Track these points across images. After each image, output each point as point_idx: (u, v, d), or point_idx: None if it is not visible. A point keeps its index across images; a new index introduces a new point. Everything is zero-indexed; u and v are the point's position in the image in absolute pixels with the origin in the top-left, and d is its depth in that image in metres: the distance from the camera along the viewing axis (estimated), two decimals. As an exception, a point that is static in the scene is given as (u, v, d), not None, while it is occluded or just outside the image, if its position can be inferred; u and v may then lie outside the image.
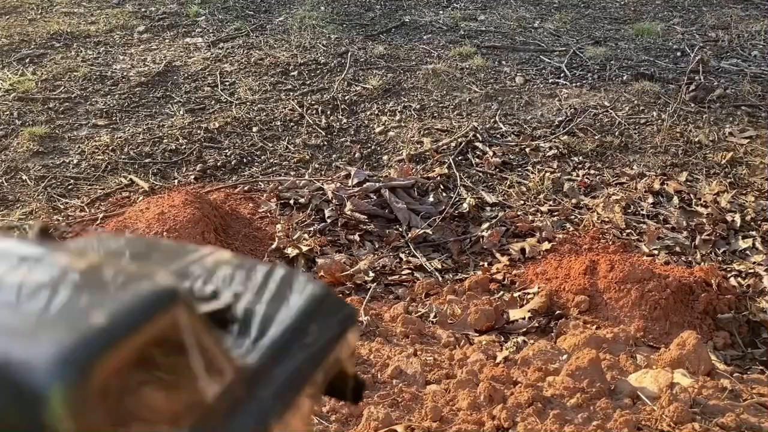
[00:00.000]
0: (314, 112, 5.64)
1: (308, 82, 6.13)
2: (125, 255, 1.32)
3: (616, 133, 5.26)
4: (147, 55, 6.68)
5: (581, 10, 7.91)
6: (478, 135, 5.22)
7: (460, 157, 4.98)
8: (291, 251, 3.96)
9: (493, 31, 7.28)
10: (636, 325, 3.34)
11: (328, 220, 4.28)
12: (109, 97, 5.89)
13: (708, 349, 3.08)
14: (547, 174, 4.74)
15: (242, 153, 5.09)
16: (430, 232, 4.21)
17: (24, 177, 4.81)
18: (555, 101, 5.78)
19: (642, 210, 4.39)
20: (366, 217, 4.31)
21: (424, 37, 7.12)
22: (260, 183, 4.72)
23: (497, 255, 4.04)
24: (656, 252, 3.99)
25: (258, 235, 4.11)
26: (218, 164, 4.95)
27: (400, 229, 4.25)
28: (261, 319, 1.24)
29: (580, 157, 4.99)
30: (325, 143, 5.23)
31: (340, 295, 3.64)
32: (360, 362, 2.83)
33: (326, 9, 7.88)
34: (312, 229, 4.20)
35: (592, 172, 4.83)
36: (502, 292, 3.68)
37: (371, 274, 3.85)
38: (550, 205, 4.46)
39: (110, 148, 5.13)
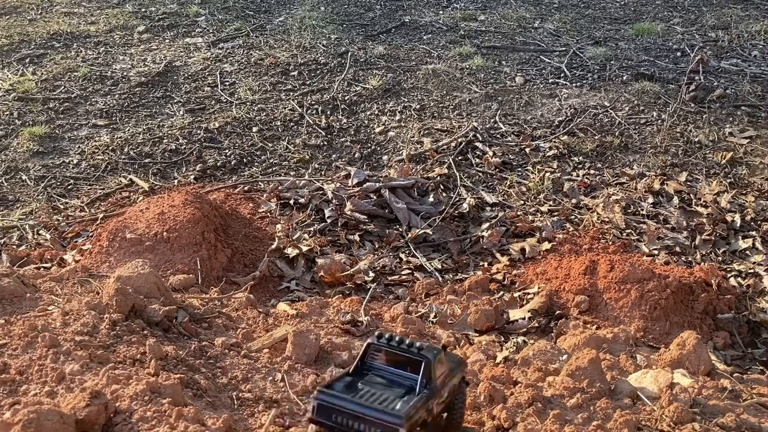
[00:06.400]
0: (314, 112, 5.65)
1: (308, 82, 6.13)
2: None
3: (616, 133, 5.26)
4: (147, 55, 6.69)
5: (581, 10, 7.91)
6: (478, 135, 5.22)
7: (460, 157, 4.98)
8: (291, 251, 3.96)
9: (493, 31, 7.28)
10: (636, 325, 3.34)
11: (328, 220, 4.28)
12: (109, 97, 5.89)
13: (708, 349, 3.07)
14: (547, 174, 4.74)
15: (242, 153, 5.09)
16: (430, 232, 4.21)
17: (24, 177, 4.81)
18: (555, 101, 5.77)
19: (642, 210, 4.39)
20: (366, 217, 4.30)
21: (424, 37, 7.12)
22: (260, 183, 4.72)
23: (497, 255, 4.04)
24: (656, 252, 3.99)
25: (258, 235, 4.10)
26: (218, 164, 4.95)
27: (400, 229, 4.25)
28: None
29: (580, 157, 4.99)
30: (325, 143, 5.23)
31: (340, 295, 3.65)
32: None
33: (326, 9, 7.89)
34: (312, 229, 4.21)
35: (592, 172, 4.83)
36: (502, 292, 3.68)
37: (371, 274, 3.85)
38: (550, 205, 4.46)
39: (110, 148, 5.13)
